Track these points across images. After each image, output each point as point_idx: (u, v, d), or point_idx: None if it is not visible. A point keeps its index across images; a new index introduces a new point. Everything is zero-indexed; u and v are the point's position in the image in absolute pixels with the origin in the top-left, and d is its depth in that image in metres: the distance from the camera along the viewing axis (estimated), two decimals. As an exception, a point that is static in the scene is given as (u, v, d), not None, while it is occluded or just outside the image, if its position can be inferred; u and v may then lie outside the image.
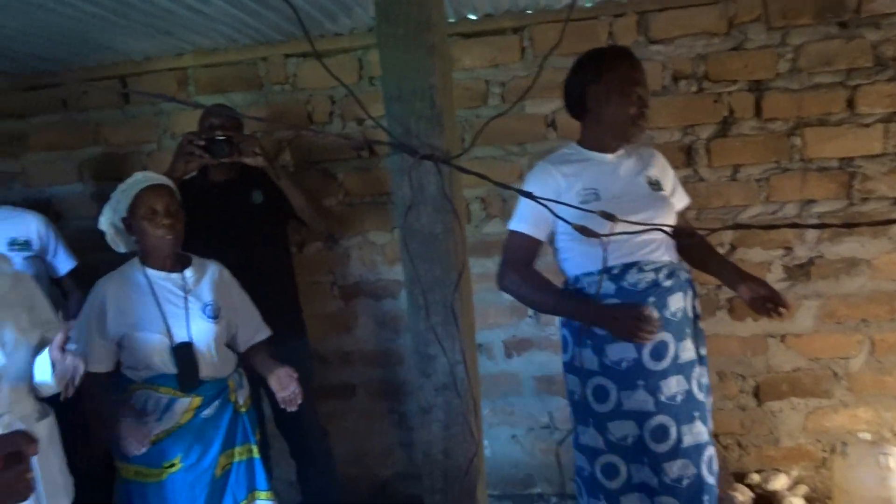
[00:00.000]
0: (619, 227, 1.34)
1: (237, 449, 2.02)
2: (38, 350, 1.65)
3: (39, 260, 2.46)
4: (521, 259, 1.81)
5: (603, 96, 1.78)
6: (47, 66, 2.78)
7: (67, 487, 1.73)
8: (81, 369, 1.59)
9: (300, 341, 2.60)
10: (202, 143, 2.23)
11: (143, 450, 1.83)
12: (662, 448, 1.70)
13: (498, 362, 2.88)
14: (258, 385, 2.24)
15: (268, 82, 2.83)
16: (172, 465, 1.90)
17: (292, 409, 2.01)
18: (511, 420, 2.91)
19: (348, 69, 2.74)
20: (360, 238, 2.90)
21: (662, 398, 1.70)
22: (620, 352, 1.71)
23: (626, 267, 1.73)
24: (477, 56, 2.69)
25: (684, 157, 2.63)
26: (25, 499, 0.88)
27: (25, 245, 2.41)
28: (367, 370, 2.97)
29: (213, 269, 2.09)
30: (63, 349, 1.55)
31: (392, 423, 2.99)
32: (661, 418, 1.70)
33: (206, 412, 1.94)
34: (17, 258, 2.33)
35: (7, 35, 2.29)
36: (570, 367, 1.84)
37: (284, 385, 2.00)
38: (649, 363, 1.70)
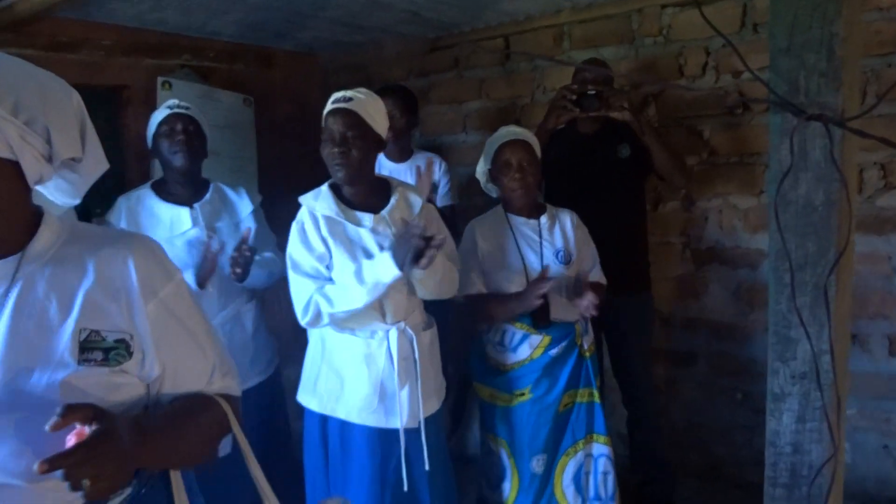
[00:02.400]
0: None
1: (580, 391, 2.13)
2: None
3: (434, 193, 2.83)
4: None
5: None
6: (446, 29, 3.17)
7: (440, 391, 2.04)
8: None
9: (643, 296, 2.60)
10: (574, 97, 2.33)
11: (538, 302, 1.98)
12: None
13: (876, 359, 2.45)
14: (600, 334, 2.33)
15: (640, 35, 2.78)
16: (522, 395, 2.09)
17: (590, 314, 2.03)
18: (885, 428, 2.48)
19: (729, 17, 2.53)
20: (721, 200, 2.71)
21: None
22: None
23: None
24: (898, -8, 2.23)
25: None
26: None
27: (432, 188, 2.78)
28: (712, 341, 2.81)
29: (566, 217, 2.21)
30: None
31: (733, 401, 2.80)
32: None
33: (554, 351, 2.09)
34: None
35: (420, 4, 2.68)
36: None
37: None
38: None
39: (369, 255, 1.84)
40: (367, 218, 1.87)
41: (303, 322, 1.85)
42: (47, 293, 0.94)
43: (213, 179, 2.40)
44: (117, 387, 0.97)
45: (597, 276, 2.23)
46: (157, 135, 2.25)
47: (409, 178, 2.61)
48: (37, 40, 2.59)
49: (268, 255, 2.31)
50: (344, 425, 1.90)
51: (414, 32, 3.20)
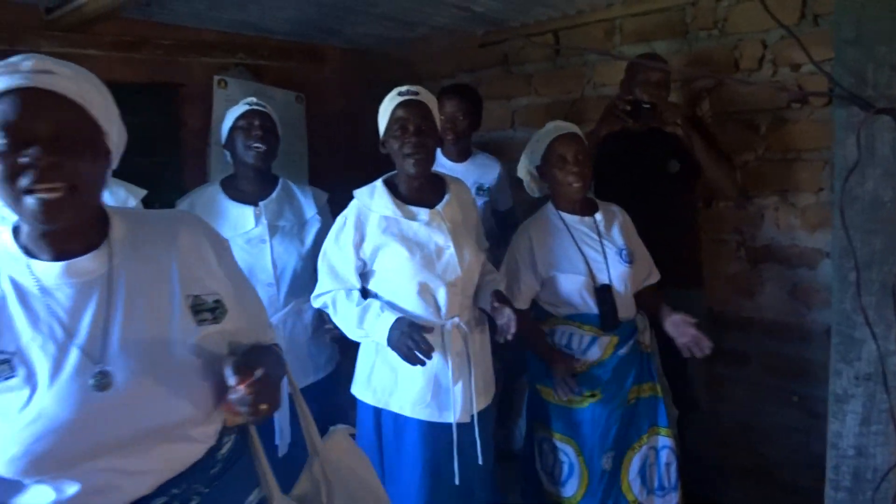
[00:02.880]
0: None
1: (643, 385, 2.12)
2: None
3: (492, 200, 2.87)
4: None
5: None
6: (495, 25, 3.16)
7: (490, 387, 2.04)
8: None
9: (694, 292, 2.56)
10: (628, 107, 2.30)
11: (568, 397, 2.02)
12: None
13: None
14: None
15: (693, 28, 2.73)
16: (594, 395, 2.06)
17: (699, 354, 2.02)
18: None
19: (789, 8, 2.45)
20: (777, 198, 2.64)
21: None
22: None
23: None
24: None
25: None
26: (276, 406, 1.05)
27: (486, 192, 2.82)
28: (766, 341, 2.75)
29: (618, 214, 2.18)
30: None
31: (787, 404, 2.73)
32: None
33: (622, 350, 2.07)
34: (479, 202, 2.73)
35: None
36: None
37: (682, 332, 2.01)
38: None
39: (424, 250, 1.86)
40: (422, 213, 1.90)
41: (313, 304, 2.01)
42: (145, 273, 1.05)
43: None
44: (226, 340, 1.12)
45: (654, 275, 2.20)
46: (233, 128, 2.28)
47: (468, 180, 2.59)
48: (102, 39, 2.69)
49: None
50: (397, 418, 1.92)
51: (463, 28, 3.20)
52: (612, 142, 2.42)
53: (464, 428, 1.91)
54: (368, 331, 1.84)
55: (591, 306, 2.06)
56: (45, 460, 0.92)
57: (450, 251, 1.88)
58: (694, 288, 2.56)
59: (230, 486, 1.12)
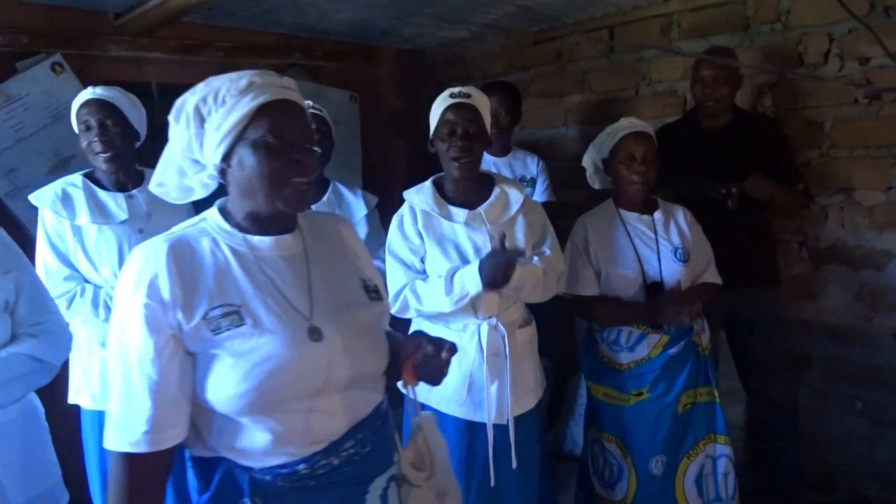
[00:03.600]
0: None
1: (699, 390, 2.07)
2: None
3: (531, 191, 2.87)
4: None
5: None
6: (549, 22, 3.14)
7: (536, 389, 2.01)
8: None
9: (772, 292, 2.51)
10: (720, 196, 2.29)
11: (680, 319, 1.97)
12: None
13: None
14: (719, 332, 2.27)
15: (755, 22, 2.65)
16: (640, 395, 2.04)
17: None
18: None
19: (858, 0, 2.36)
20: (843, 197, 2.55)
21: None
22: None
23: None
24: None
25: None
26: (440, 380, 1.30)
27: (531, 182, 2.85)
28: (829, 345, 2.65)
29: (679, 213, 2.14)
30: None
31: (851, 410, 2.63)
32: None
33: (673, 350, 2.03)
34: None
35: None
36: None
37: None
38: None
39: (460, 252, 1.87)
40: (460, 213, 1.89)
41: (392, 311, 1.90)
42: (328, 253, 1.27)
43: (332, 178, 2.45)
44: (385, 318, 1.33)
45: (711, 275, 2.15)
46: None
47: (507, 174, 2.62)
48: (166, 43, 2.79)
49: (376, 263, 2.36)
50: (435, 414, 1.93)
51: (516, 26, 3.19)
52: (684, 137, 2.38)
53: (501, 429, 1.89)
54: (460, 287, 1.81)
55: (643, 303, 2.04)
56: (265, 397, 1.09)
57: (486, 252, 1.84)
58: (772, 287, 2.50)
59: (385, 440, 1.27)
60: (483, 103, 1.90)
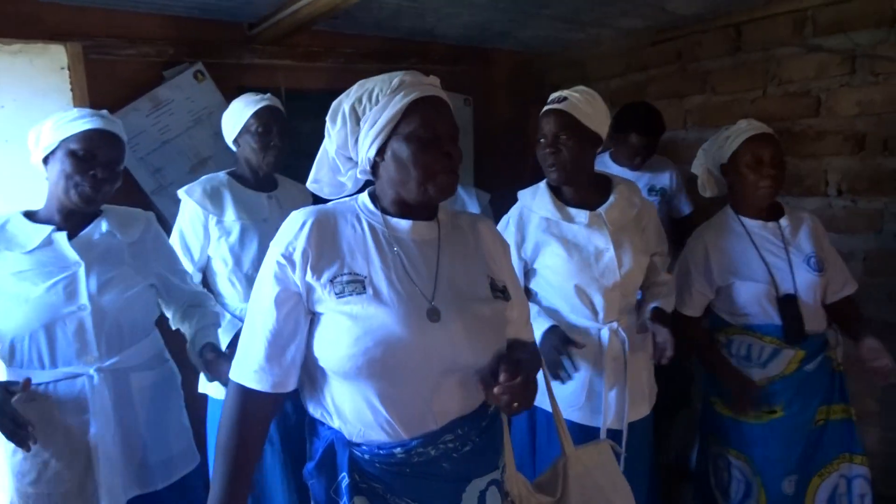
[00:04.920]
0: None
1: (833, 407, 1.96)
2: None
3: (665, 203, 2.80)
4: None
5: None
6: (670, 21, 3.03)
7: (651, 397, 1.97)
8: None
9: None
10: None
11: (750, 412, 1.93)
12: None
13: None
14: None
15: (903, 16, 2.44)
16: (774, 412, 1.94)
17: (883, 382, 1.83)
18: None
19: None
20: None
21: None
22: None
23: None
24: None
25: None
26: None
27: (660, 192, 2.77)
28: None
29: (807, 219, 2.02)
30: None
31: None
32: None
33: (810, 366, 1.93)
34: (653, 202, 2.68)
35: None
36: None
37: (874, 356, 1.83)
38: None
39: (583, 252, 1.84)
40: (581, 215, 1.87)
41: None
42: (460, 247, 1.31)
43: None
44: (507, 320, 1.33)
45: (848, 286, 2.01)
46: None
47: (639, 182, 2.47)
48: (294, 51, 2.95)
49: None
50: (551, 418, 1.91)
51: (635, 26, 3.11)
52: None
53: (614, 435, 1.86)
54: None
55: (773, 316, 1.93)
56: (376, 364, 1.16)
57: (609, 254, 1.83)
58: None
59: (490, 443, 1.29)
60: (584, 104, 1.81)
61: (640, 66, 3.35)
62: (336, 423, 1.23)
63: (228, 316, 2.14)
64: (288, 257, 1.19)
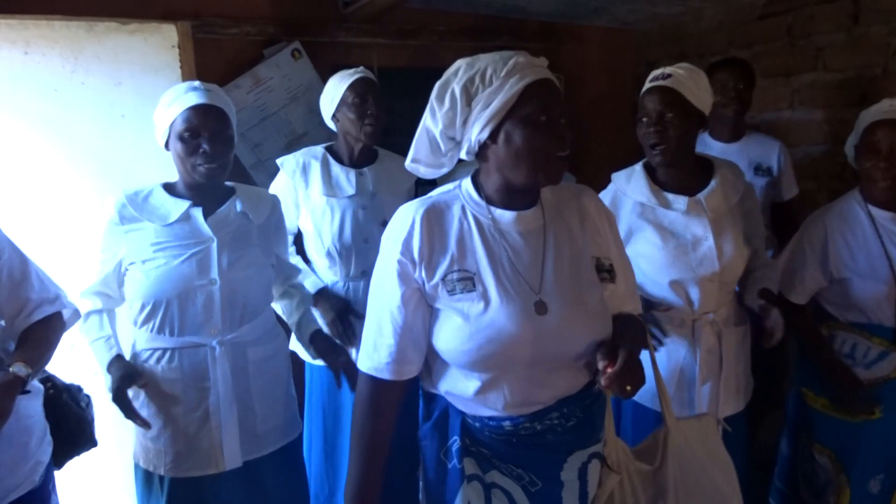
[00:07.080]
0: None
1: None
2: None
3: (770, 185, 2.64)
4: None
5: None
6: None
7: (746, 391, 1.90)
8: None
9: None
10: None
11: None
12: None
13: None
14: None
15: None
16: (871, 414, 1.85)
17: None
18: None
19: None
20: None
21: None
22: None
23: None
24: None
25: None
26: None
27: (767, 171, 2.62)
28: None
29: None
30: None
31: None
32: None
33: None
34: (759, 183, 2.55)
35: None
36: None
37: None
38: None
39: (679, 240, 1.77)
40: (680, 201, 1.79)
41: None
42: (565, 230, 1.29)
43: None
44: (612, 300, 1.31)
45: None
46: None
47: (742, 161, 2.36)
48: (387, 28, 2.98)
49: None
50: (637, 407, 1.87)
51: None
52: None
53: None
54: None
55: (889, 318, 1.81)
56: (487, 360, 1.21)
57: (708, 243, 1.75)
58: None
59: (592, 419, 1.32)
60: (690, 81, 1.74)
61: (744, 42, 3.17)
62: (449, 397, 1.31)
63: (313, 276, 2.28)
64: (407, 256, 1.24)
